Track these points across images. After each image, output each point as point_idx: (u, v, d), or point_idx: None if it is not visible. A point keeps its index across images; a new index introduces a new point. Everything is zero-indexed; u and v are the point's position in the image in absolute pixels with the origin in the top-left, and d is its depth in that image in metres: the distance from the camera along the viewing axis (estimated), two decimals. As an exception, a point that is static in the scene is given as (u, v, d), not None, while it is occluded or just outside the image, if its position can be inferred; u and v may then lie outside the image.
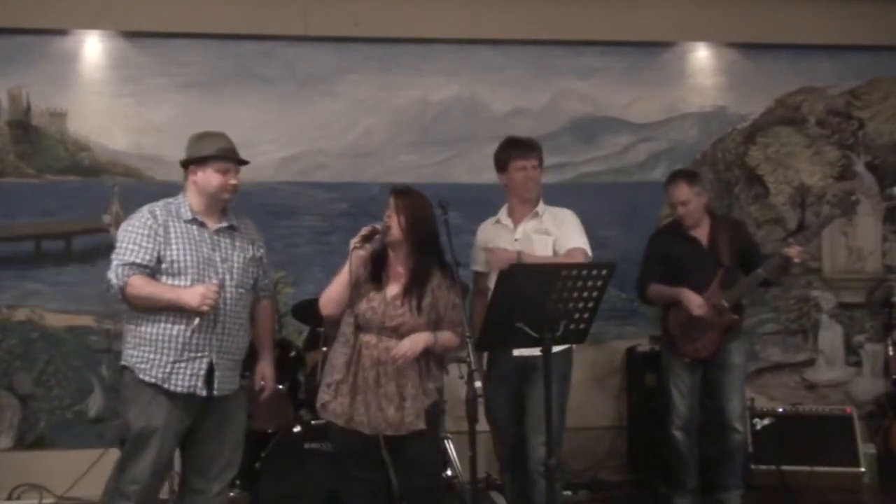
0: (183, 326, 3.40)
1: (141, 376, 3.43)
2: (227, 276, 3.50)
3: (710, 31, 5.97)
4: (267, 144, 5.54)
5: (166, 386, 3.41)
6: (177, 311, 3.39)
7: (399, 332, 3.47)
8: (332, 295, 3.53)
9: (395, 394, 3.45)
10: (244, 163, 3.63)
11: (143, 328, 3.44)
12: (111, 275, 3.41)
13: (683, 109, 6.05)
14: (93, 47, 5.49)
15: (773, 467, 5.17)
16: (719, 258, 4.49)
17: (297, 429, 4.33)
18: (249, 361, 3.74)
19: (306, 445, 4.23)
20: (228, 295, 3.48)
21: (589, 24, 5.80)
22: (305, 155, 5.70)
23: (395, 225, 3.51)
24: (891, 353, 5.85)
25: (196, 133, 3.62)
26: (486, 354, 4.01)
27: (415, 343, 3.44)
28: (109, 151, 5.50)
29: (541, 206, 4.18)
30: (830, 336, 6.08)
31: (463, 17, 5.71)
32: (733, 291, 4.47)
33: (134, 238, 3.43)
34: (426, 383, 3.51)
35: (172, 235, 3.45)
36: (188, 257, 3.45)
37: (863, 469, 5.30)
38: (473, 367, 3.24)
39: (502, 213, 4.25)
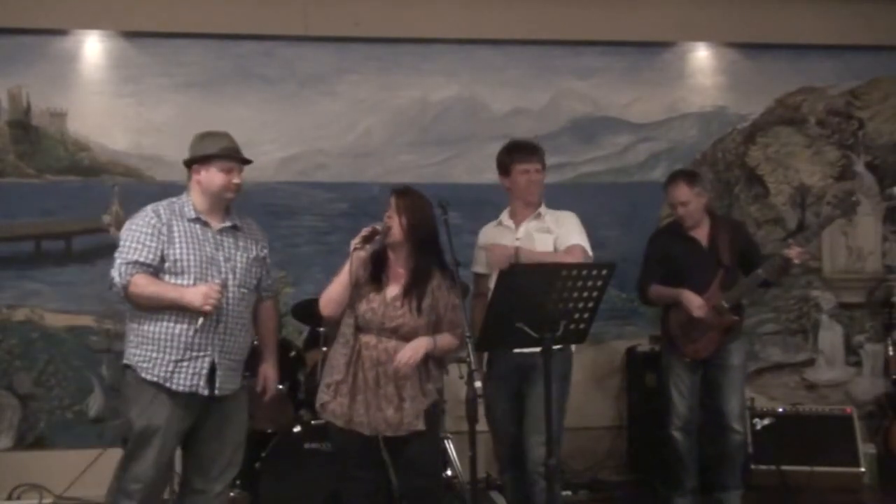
0: (185, 326, 3.40)
1: (143, 375, 3.43)
2: (230, 276, 3.50)
3: (710, 31, 5.98)
4: (267, 144, 5.53)
5: (168, 385, 3.41)
6: (180, 310, 3.39)
7: (399, 333, 3.47)
8: (331, 295, 3.52)
9: (395, 395, 3.45)
10: (248, 162, 3.62)
11: (145, 327, 3.44)
12: (114, 273, 3.41)
13: (683, 109, 6.05)
14: (93, 47, 5.50)
15: (772, 467, 5.16)
16: (719, 258, 4.49)
17: (297, 429, 4.34)
18: (251, 362, 3.74)
19: (306, 445, 4.24)
20: (231, 295, 3.48)
21: (589, 24, 5.80)
22: (305, 155, 5.70)
23: (395, 225, 3.50)
24: (891, 353, 5.86)
25: (200, 132, 3.61)
26: (485, 354, 4.01)
27: (415, 350, 3.43)
28: (109, 151, 5.51)
29: (543, 209, 4.17)
30: (830, 336, 6.08)
31: (463, 17, 5.71)
32: (733, 292, 4.47)
33: (137, 237, 3.43)
34: (425, 384, 3.50)
35: (176, 234, 3.45)
36: (191, 256, 3.45)
37: (863, 469, 5.30)
38: (473, 367, 3.24)
39: (504, 216, 4.24)
